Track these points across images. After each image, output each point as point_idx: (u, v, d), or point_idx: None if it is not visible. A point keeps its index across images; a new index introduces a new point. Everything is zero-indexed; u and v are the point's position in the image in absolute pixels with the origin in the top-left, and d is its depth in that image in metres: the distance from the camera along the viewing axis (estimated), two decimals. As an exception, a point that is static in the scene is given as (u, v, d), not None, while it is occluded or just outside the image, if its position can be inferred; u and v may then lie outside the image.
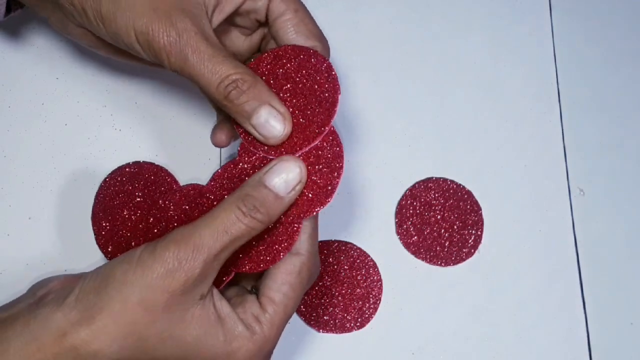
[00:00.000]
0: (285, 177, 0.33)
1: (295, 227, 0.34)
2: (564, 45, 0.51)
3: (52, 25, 0.36)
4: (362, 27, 0.48)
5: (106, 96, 0.44)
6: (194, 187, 0.36)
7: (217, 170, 0.36)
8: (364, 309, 0.43)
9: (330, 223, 0.44)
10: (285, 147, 0.34)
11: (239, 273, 0.34)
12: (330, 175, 0.34)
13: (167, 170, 0.40)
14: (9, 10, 0.38)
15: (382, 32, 0.49)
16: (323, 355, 0.43)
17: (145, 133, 0.43)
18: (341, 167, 0.34)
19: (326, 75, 0.34)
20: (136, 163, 0.40)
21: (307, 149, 0.34)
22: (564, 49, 0.50)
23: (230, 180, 0.35)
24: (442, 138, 0.47)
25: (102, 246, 0.37)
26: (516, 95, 0.49)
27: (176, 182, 0.38)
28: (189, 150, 0.43)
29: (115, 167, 0.40)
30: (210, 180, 0.36)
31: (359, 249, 0.44)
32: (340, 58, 0.47)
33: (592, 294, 0.46)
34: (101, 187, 0.39)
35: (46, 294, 0.32)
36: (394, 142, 0.47)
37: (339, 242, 0.43)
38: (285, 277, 0.33)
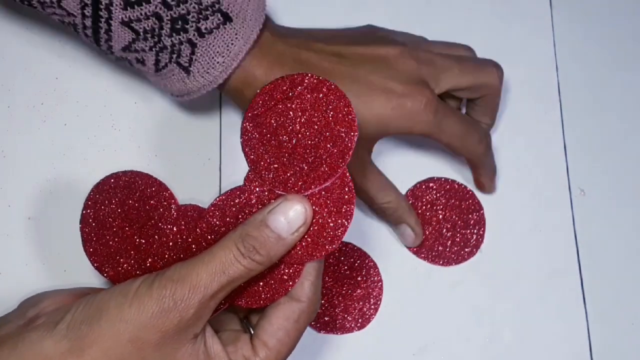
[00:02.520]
0: (289, 217, 0.32)
1: (297, 269, 0.33)
2: (565, 45, 0.51)
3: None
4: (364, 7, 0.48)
5: (106, 96, 0.44)
6: (194, 207, 0.35)
7: (220, 196, 0.34)
8: (365, 309, 0.43)
9: None
10: (292, 184, 0.33)
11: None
12: (338, 221, 0.32)
13: (165, 185, 0.38)
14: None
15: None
16: (324, 356, 0.43)
17: (144, 133, 0.43)
18: (350, 213, 0.32)
19: (345, 113, 0.33)
20: (132, 172, 0.37)
21: (316, 189, 0.33)
22: (565, 49, 0.50)
23: (231, 208, 0.34)
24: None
25: (90, 254, 0.36)
26: (516, 95, 0.49)
27: (174, 198, 0.37)
28: (189, 150, 0.43)
29: (115, 167, 0.39)
30: (211, 206, 0.34)
31: (359, 249, 0.44)
32: None
33: (592, 293, 0.46)
34: (93, 193, 0.36)
35: (36, 316, 0.31)
36: (395, 142, 0.47)
37: None
38: (282, 323, 0.33)
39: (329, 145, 0.33)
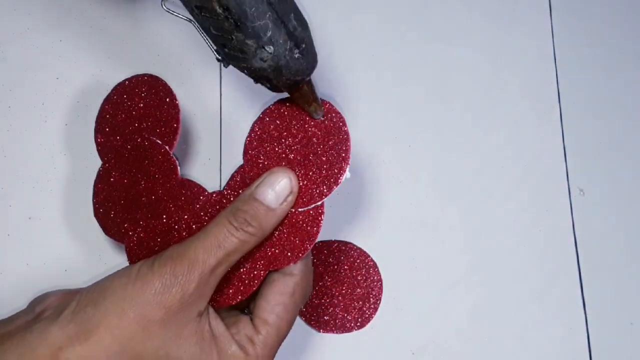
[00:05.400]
0: (276, 189, 0.33)
1: (259, 273, 0.34)
2: (564, 45, 0.51)
3: None
4: (362, 29, 0.48)
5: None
6: (194, 185, 0.37)
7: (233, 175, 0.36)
8: (364, 308, 0.43)
9: (331, 223, 0.44)
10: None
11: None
12: (305, 237, 0.34)
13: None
14: None
15: (383, 33, 0.49)
16: (324, 355, 0.43)
17: None
18: (316, 233, 0.34)
19: (341, 142, 0.35)
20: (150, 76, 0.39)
21: (303, 208, 0.34)
22: (564, 49, 0.51)
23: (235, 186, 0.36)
24: (442, 138, 0.47)
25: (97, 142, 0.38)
26: (516, 95, 0.49)
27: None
28: (189, 150, 0.43)
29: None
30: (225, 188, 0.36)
31: (359, 249, 0.44)
32: (340, 59, 0.47)
33: (592, 293, 0.46)
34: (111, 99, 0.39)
35: (44, 310, 0.32)
36: (394, 143, 0.47)
37: (339, 242, 0.43)
38: (279, 298, 0.33)
39: (321, 169, 0.35)
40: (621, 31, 0.52)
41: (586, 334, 0.45)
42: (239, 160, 0.44)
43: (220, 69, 0.45)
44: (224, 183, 0.44)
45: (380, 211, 0.45)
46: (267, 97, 0.46)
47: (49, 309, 0.32)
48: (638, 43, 0.52)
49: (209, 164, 0.44)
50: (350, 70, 0.47)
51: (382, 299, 0.44)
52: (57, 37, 0.44)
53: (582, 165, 0.49)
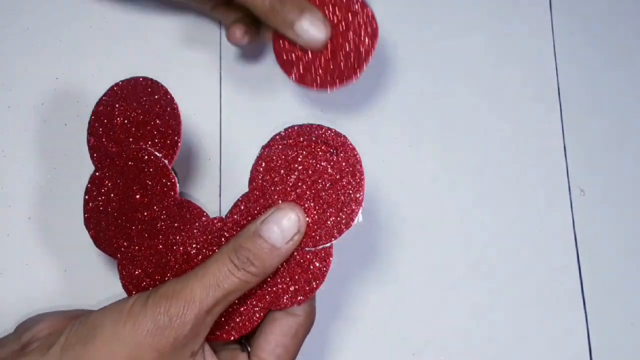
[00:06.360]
0: (282, 226, 0.31)
1: (260, 312, 0.33)
2: (564, 45, 0.51)
3: None
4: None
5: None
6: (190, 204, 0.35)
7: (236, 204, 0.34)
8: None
9: None
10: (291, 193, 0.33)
11: None
12: (312, 278, 0.33)
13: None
14: None
15: (383, 32, 0.48)
16: (323, 355, 0.43)
17: None
18: (324, 275, 0.33)
19: (355, 182, 0.33)
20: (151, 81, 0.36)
21: (311, 248, 0.33)
22: (564, 49, 0.50)
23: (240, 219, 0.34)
24: (443, 138, 0.47)
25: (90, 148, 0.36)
26: (516, 95, 0.49)
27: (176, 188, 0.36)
28: (189, 150, 0.43)
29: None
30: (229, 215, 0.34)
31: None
32: None
33: (592, 294, 0.46)
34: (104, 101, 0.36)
35: (30, 341, 0.31)
36: (394, 142, 0.47)
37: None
38: (280, 340, 0.32)
39: (333, 209, 0.33)
40: (622, 30, 0.52)
41: (586, 334, 0.45)
42: (240, 160, 0.44)
43: (220, 69, 0.45)
44: (224, 183, 0.44)
45: (380, 212, 0.45)
46: (268, 101, 0.46)
47: (36, 340, 0.31)
48: (638, 43, 0.52)
49: (209, 164, 0.44)
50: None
51: (382, 302, 0.44)
52: (57, 37, 0.44)
53: (582, 165, 0.48)
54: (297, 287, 0.32)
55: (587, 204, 0.48)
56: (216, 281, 0.30)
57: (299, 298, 0.32)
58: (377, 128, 0.47)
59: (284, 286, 0.32)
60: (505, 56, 0.49)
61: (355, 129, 0.47)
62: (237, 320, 0.33)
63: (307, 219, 0.33)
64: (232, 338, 0.33)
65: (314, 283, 0.32)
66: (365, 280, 0.44)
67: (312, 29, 0.37)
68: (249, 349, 0.33)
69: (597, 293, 0.46)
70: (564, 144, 0.49)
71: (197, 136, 0.44)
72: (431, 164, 0.47)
